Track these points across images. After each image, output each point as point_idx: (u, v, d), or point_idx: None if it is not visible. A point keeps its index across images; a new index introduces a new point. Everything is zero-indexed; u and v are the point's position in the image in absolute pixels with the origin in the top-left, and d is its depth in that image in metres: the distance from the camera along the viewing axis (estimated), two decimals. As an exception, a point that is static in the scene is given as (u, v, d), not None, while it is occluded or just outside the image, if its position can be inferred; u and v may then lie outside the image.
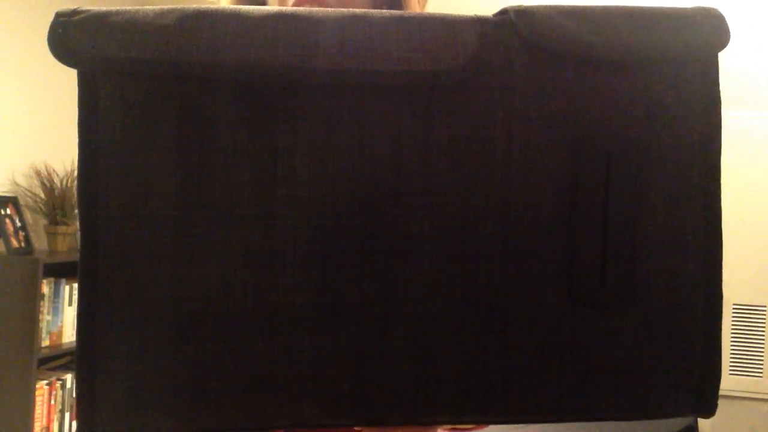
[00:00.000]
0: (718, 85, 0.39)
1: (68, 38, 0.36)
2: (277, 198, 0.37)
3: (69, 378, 2.49)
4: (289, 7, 0.38)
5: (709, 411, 0.40)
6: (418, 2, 0.63)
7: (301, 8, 0.38)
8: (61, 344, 2.45)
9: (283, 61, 0.36)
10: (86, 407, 0.37)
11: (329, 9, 0.38)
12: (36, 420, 2.32)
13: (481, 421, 0.40)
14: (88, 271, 0.37)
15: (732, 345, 2.40)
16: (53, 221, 2.54)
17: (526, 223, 0.38)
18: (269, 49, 0.36)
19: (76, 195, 0.38)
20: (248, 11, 0.37)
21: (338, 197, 0.37)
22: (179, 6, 0.37)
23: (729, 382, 2.39)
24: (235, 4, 0.63)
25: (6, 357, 2.30)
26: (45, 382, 2.38)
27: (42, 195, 2.55)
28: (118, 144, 0.37)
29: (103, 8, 0.38)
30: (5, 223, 2.37)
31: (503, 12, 0.38)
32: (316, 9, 0.38)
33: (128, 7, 0.38)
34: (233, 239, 0.37)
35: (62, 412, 2.45)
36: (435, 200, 0.37)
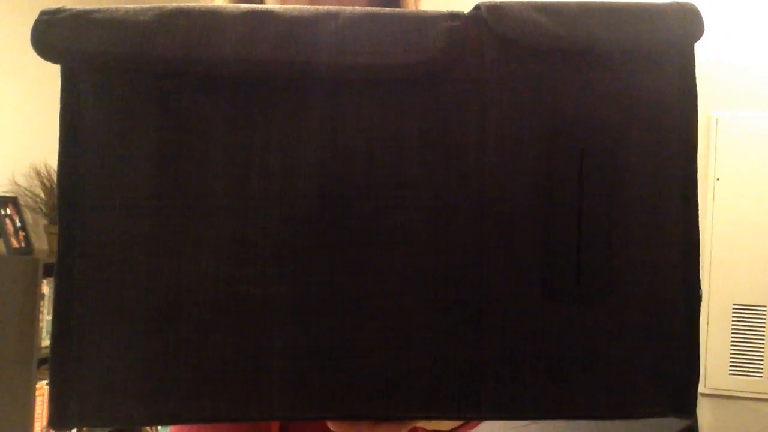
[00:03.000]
0: (694, 76, 0.40)
1: (50, 35, 0.37)
2: (251, 190, 0.37)
3: (69, 378, 2.49)
4: (265, 5, 0.39)
5: (687, 412, 0.39)
6: (414, 1, 0.64)
7: (275, 6, 0.38)
8: (61, 344, 2.45)
9: (257, 57, 0.36)
10: (59, 397, 0.37)
11: (304, 6, 0.39)
12: (36, 420, 2.32)
13: (454, 418, 0.39)
14: (66, 260, 0.38)
15: (732, 345, 2.40)
16: (53, 221, 2.54)
17: (499, 216, 0.37)
18: (244, 45, 0.36)
19: (56, 187, 0.39)
20: (224, 9, 0.38)
21: (311, 190, 0.37)
22: (159, 4, 0.38)
23: (729, 382, 2.38)
24: (223, 2, 0.65)
25: (6, 357, 2.30)
26: (45, 382, 2.38)
27: (42, 195, 2.54)
28: (97, 137, 0.38)
29: (87, 7, 0.39)
30: (5, 223, 2.37)
31: (477, 7, 0.39)
32: (291, 6, 0.38)
33: (111, 6, 0.39)
34: (208, 231, 0.37)
35: (62, 412, 2.45)
36: (407, 192, 0.37)
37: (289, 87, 0.37)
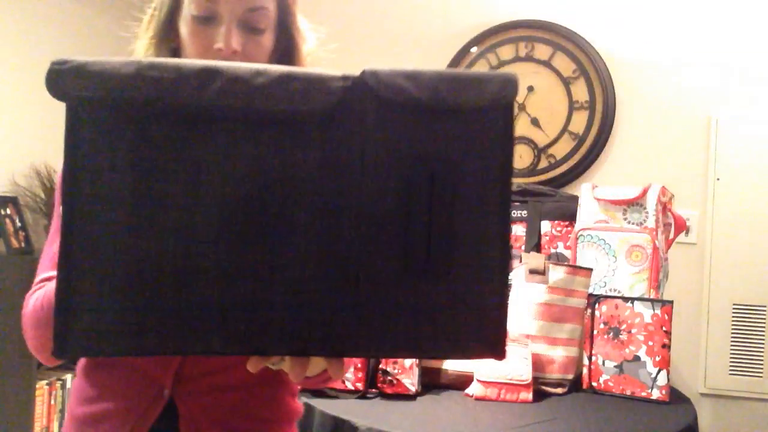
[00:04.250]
0: (511, 125, 0.57)
1: (58, 81, 0.52)
2: (199, 193, 0.54)
3: (69, 378, 2.49)
4: (215, 62, 0.55)
5: (499, 353, 0.57)
6: (304, 60, 0.93)
7: (223, 62, 0.54)
8: (61, 344, 2.45)
9: (206, 101, 0.53)
10: (61, 336, 0.53)
11: (242, 64, 0.55)
12: (36, 420, 2.32)
13: (343, 356, 0.57)
14: (66, 239, 0.53)
15: (732, 345, 2.40)
16: (53, 221, 2.54)
17: (373, 217, 0.55)
18: (197, 92, 0.53)
19: (61, 191, 0.55)
20: (186, 64, 0.54)
21: (241, 194, 0.54)
22: (138, 59, 0.54)
23: (729, 382, 2.39)
24: (151, 56, 0.88)
25: (6, 357, 2.30)
26: (45, 382, 2.38)
27: (42, 195, 2.55)
28: (93, 155, 0.53)
29: (85, 58, 0.53)
30: (5, 223, 2.38)
31: (362, 72, 0.55)
32: (235, 63, 0.54)
33: (103, 59, 0.53)
34: (168, 221, 0.53)
35: (62, 412, 2.45)
36: (307, 198, 0.54)
37: (227, 122, 0.54)
